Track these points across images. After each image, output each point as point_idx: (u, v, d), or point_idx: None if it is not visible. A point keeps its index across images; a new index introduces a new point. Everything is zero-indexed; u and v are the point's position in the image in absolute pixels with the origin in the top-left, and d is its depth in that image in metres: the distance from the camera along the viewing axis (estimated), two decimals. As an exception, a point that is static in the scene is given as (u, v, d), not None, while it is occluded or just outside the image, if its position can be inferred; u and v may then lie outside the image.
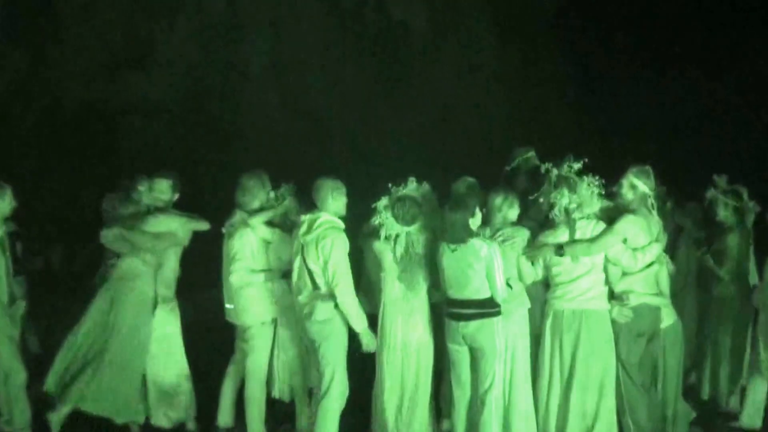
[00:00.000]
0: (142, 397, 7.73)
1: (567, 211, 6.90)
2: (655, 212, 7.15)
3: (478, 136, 16.58)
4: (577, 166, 6.94)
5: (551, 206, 6.97)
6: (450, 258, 6.71)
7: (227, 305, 7.66)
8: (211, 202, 12.84)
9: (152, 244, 7.55)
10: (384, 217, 7.09)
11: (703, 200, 8.86)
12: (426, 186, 7.28)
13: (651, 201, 7.14)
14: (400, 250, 7.11)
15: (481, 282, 6.66)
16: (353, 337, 6.96)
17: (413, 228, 7.07)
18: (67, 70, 14.72)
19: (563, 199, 6.88)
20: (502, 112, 16.67)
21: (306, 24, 16.11)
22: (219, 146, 15.11)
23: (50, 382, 7.60)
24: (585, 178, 6.87)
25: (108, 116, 14.75)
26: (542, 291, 7.21)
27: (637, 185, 7.02)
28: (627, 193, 7.03)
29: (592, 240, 6.82)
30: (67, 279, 10.81)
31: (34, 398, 7.82)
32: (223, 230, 7.63)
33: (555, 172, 6.95)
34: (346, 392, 6.93)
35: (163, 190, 7.75)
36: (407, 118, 16.44)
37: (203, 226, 7.83)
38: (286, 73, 16.10)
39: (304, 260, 6.85)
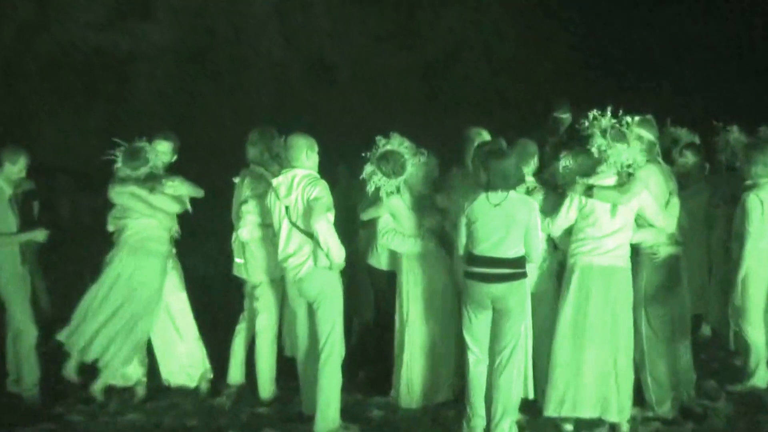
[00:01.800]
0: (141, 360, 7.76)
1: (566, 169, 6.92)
2: (661, 160, 7.14)
3: (485, 77, 16.47)
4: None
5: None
6: (490, 212, 6.40)
7: (237, 259, 7.65)
8: (219, 147, 12.94)
9: (172, 208, 7.53)
10: (377, 180, 7.16)
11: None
12: (395, 135, 7.26)
13: (657, 149, 7.10)
14: (408, 198, 7.26)
15: (518, 239, 6.43)
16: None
17: (407, 175, 7.18)
18: (73, 18, 14.55)
19: (565, 160, 6.88)
20: (509, 52, 16.49)
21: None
22: (225, 91, 15.01)
23: (64, 335, 7.55)
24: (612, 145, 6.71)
25: (115, 64, 14.59)
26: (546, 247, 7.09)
27: (644, 135, 6.94)
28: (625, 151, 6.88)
29: (620, 187, 6.68)
30: (74, 231, 10.70)
31: (43, 357, 7.87)
32: (235, 180, 7.61)
33: (605, 122, 6.78)
34: (344, 348, 6.94)
35: (166, 151, 7.72)
36: (414, 59, 16.31)
37: (201, 193, 7.81)
38: (291, 16, 15.90)
39: (292, 223, 6.72)
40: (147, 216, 7.45)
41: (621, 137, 6.74)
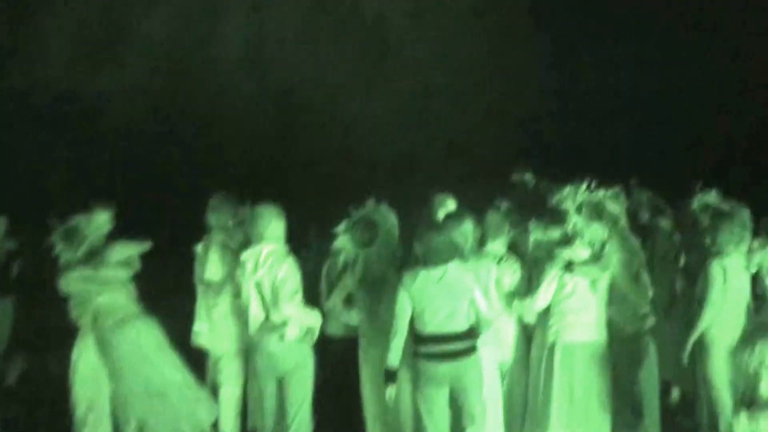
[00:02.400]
0: None
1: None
2: (628, 233, 7.12)
3: (458, 118, 16.43)
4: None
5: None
6: (433, 287, 6.20)
7: (198, 326, 7.45)
8: (190, 190, 12.80)
9: (123, 275, 7.30)
10: (343, 241, 7.09)
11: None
12: (384, 207, 7.21)
13: (622, 224, 7.04)
14: (359, 272, 7.07)
15: (467, 311, 6.29)
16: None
17: (371, 250, 7.04)
18: (42, 57, 14.41)
19: (535, 231, 6.84)
20: (481, 97, 16.48)
21: (284, 8, 15.84)
22: (195, 133, 14.87)
23: None
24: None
25: (85, 104, 14.46)
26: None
27: (610, 210, 6.92)
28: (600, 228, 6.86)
29: (598, 261, 6.65)
30: (35, 285, 10.52)
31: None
32: (197, 249, 7.45)
33: (580, 198, 6.77)
34: (312, 422, 6.83)
35: (104, 222, 7.47)
36: (387, 100, 16.27)
37: (146, 246, 7.52)
38: (265, 57, 15.88)
39: (262, 298, 6.59)
40: (105, 292, 7.21)
41: (596, 215, 6.69)
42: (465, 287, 6.27)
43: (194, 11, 15.49)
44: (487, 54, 16.67)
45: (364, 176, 13.54)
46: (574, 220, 6.67)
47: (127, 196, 12.63)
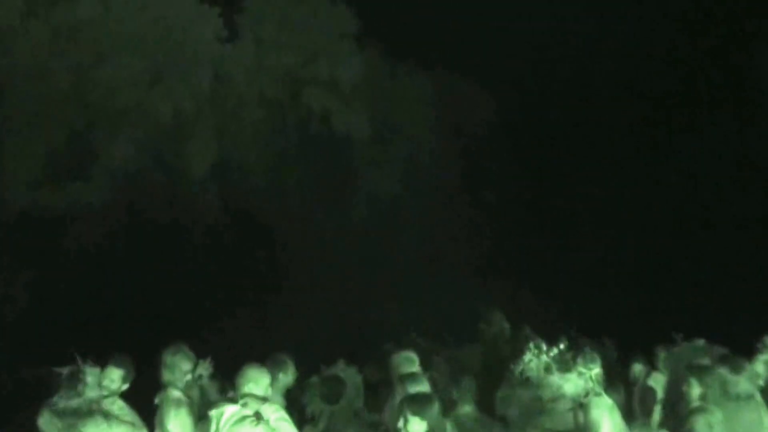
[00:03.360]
0: None
1: None
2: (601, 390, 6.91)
3: (421, 242, 16.47)
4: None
5: None
6: None
7: None
8: (158, 312, 12.65)
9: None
10: (309, 395, 7.00)
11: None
12: (353, 369, 7.13)
13: (599, 381, 6.90)
14: (321, 428, 6.95)
15: None
16: None
17: (336, 407, 6.96)
18: (8, 177, 14.32)
19: (502, 391, 6.85)
20: (444, 215, 16.60)
21: (250, 131, 15.97)
22: (159, 254, 14.72)
23: None
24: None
25: (50, 224, 14.30)
26: None
27: (583, 371, 6.76)
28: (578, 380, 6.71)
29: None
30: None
31: None
32: (156, 401, 7.13)
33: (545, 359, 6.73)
34: None
35: (113, 379, 6.92)
36: (350, 223, 16.32)
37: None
38: (229, 178, 15.92)
39: None
40: None
41: (567, 367, 6.60)
42: None
43: (158, 135, 15.53)
44: (449, 181, 16.86)
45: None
46: (550, 383, 6.55)
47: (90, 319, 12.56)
